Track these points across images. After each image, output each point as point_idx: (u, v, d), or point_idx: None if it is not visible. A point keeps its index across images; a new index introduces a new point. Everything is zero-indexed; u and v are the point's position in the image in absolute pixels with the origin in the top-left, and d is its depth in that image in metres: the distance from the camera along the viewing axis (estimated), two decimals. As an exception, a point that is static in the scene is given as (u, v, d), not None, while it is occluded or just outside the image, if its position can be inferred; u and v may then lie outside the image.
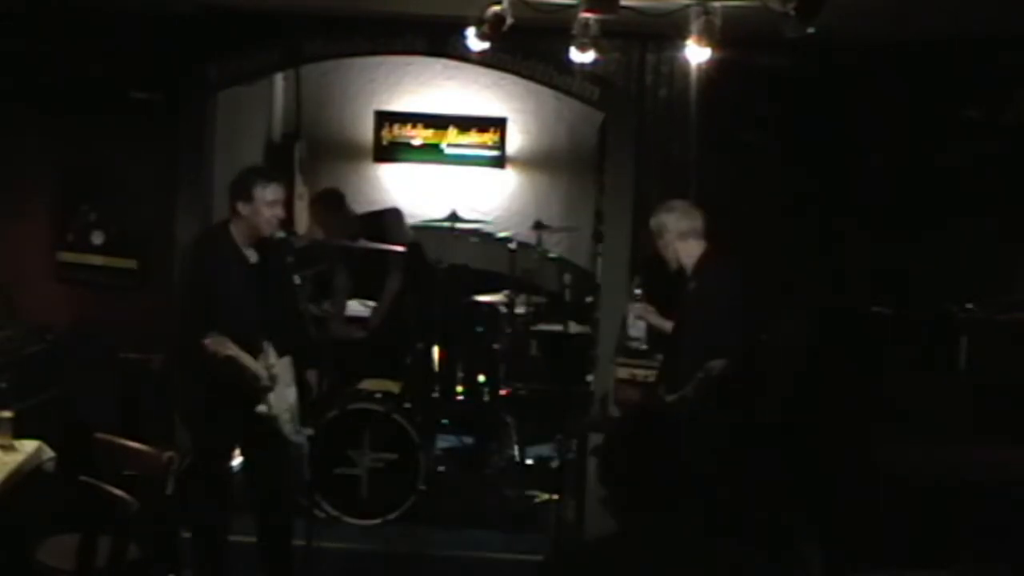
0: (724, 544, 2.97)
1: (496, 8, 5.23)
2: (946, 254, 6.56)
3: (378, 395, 6.72)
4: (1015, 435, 5.73)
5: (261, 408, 5.11)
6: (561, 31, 5.54)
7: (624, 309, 6.48)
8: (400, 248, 7.18)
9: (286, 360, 5.23)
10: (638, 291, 6.02)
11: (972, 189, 6.61)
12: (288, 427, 5.21)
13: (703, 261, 5.44)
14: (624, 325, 6.26)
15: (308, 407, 5.40)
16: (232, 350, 4.97)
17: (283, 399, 5.20)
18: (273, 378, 5.12)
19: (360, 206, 7.94)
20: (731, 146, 6.74)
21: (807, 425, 6.29)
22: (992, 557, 4.85)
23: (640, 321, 6.05)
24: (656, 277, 5.90)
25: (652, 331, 6.06)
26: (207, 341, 4.90)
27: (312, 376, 5.44)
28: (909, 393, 6.39)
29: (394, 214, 7.78)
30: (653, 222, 5.57)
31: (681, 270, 5.52)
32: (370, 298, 7.70)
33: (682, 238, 5.46)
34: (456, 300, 7.65)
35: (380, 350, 7.42)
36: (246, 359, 5.03)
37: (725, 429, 5.14)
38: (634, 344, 6.21)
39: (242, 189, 5.12)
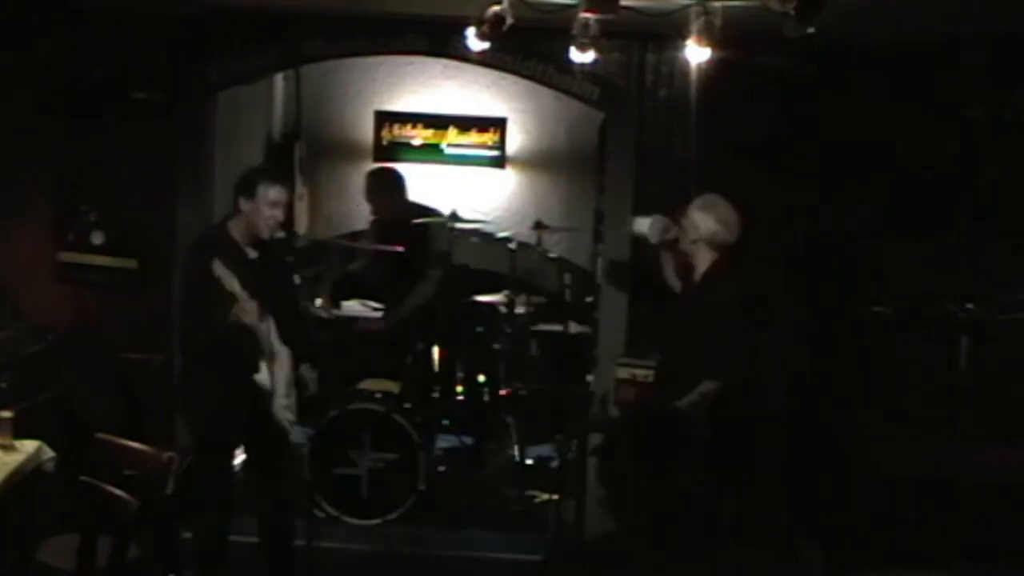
0: (724, 545, 2.97)
1: (496, 8, 5.22)
2: (946, 254, 6.56)
3: (378, 395, 6.72)
4: (1015, 435, 5.74)
5: (259, 376, 5.09)
6: (561, 31, 5.53)
7: (624, 310, 6.50)
8: (399, 248, 7.17)
9: (286, 351, 5.23)
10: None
11: (972, 189, 6.61)
12: (282, 412, 5.20)
13: (713, 269, 5.38)
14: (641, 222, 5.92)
15: (305, 403, 5.40)
16: (253, 319, 4.94)
17: (280, 381, 5.18)
18: (273, 352, 5.11)
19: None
20: (731, 146, 6.73)
21: (807, 425, 6.30)
22: (992, 557, 4.85)
23: (657, 224, 5.71)
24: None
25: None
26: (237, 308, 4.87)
27: (307, 370, 5.43)
28: (909, 393, 6.40)
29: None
30: (691, 218, 5.39)
31: (688, 268, 5.48)
32: (371, 297, 7.66)
33: (709, 246, 5.38)
34: (456, 300, 7.65)
35: (380, 350, 7.41)
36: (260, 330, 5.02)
37: (725, 430, 5.13)
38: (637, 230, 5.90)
39: (246, 186, 5.16)
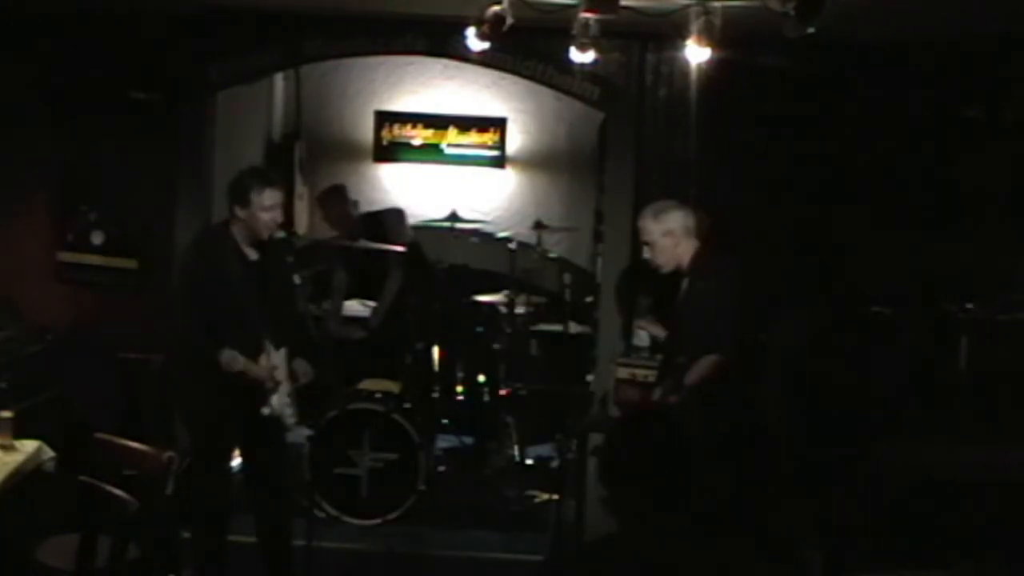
0: (724, 544, 2.97)
1: (496, 8, 5.22)
2: (946, 254, 6.56)
3: (378, 395, 6.72)
4: (1014, 435, 5.74)
5: (265, 410, 5.12)
6: (561, 31, 5.53)
7: (624, 308, 6.50)
8: (400, 248, 7.19)
9: (281, 352, 5.24)
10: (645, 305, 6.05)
11: (972, 189, 6.61)
12: (290, 421, 5.22)
13: (695, 261, 5.43)
14: (630, 336, 6.30)
15: (301, 394, 5.40)
16: (242, 364, 5.00)
17: (283, 395, 5.21)
18: (277, 380, 5.13)
19: (361, 206, 7.95)
20: (731, 146, 6.73)
21: (807, 425, 6.30)
22: (992, 557, 4.85)
23: (643, 332, 6.11)
24: (655, 280, 5.89)
25: (656, 342, 6.08)
26: (221, 359, 4.94)
27: (300, 364, 5.41)
28: (909, 393, 6.40)
29: (394, 214, 7.78)
30: (648, 223, 5.51)
31: (676, 271, 5.51)
32: (370, 298, 7.70)
33: (679, 238, 5.44)
34: (456, 300, 7.65)
35: (380, 350, 7.42)
36: (255, 369, 5.05)
37: (725, 429, 5.14)
38: (639, 355, 6.26)
39: (239, 193, 5.13)
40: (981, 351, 6.34)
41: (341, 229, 7.44)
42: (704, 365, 5.22)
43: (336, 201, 7.58)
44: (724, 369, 5.20)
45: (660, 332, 5.92)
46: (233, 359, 4.97)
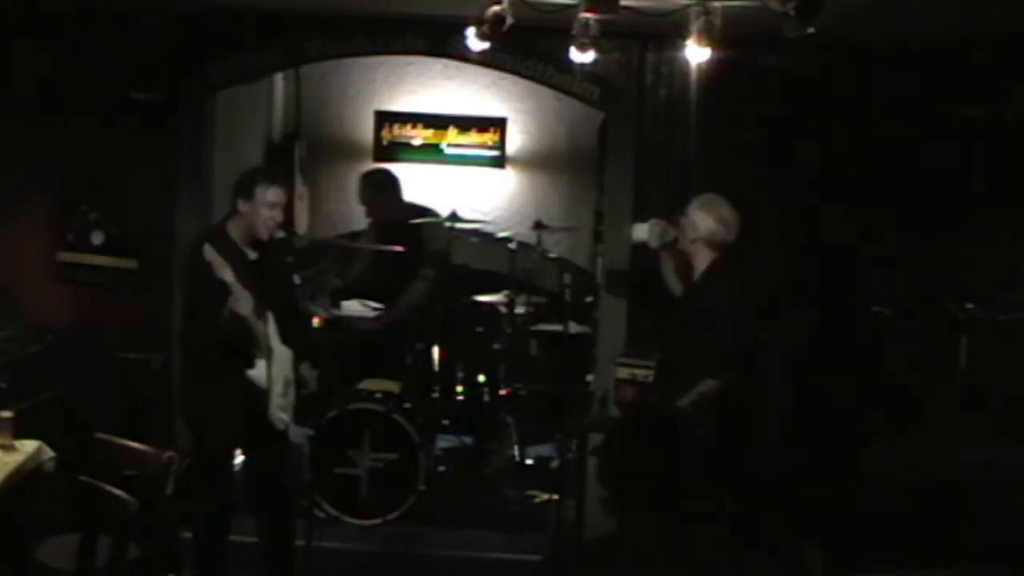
0: (724, 544, 2.97)
1: (496, 8, 5.23)
2: (946, 254, 6.56)
3: (378, 395, 6.72)
4: (1014, 435, 5.74)
5: (250, 372, 5.08)
6: (561, 31, 5.54)
7: (624, 310, 6.49)
8: (399, 248, 7.17)
9: (286, 352, 5.23)
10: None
11: (972, 189, 6.61)
12: (277, 413, 5.20)
13: (713, 268, 5.41)
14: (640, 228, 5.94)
15: (304, 403, 5.40)
16: (248, 309, 4.94)
17: (277, 380, 5.18)
18: (270, 349, 5.11)
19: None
20: (731, 146, 6.74)
21: (807, 425, 6.30)
22: (991, 557, 4.85)
23: (655, 228, 5.72)
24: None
25: (651, 256, 5.85)
26: (230, 302, 4.87)
27: (306, 369, 5.43)
28: (908, 393, 6.40)
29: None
30: (691, 218, 5.42)
31: (687, 268, 5.50)
32: (370, 298, 7.67)
33: (708, 245, 5.42)
34: (456, 300, 7.65)
35: (380, 350, 7.41)
36: (255, 321, 5.02)
37: (725, 429, 5.14)
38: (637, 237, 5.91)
39: (245, 187, 5.17)
40: (981, 351, 6.33)
41: (382, 216, 7.36)
42: (701, 391, 5.18)
43: (380, 186, 7.51)
44: (720, 391, 5.19)
45: (670, 236, 5.62)
46: (239, 302, 4.89)
